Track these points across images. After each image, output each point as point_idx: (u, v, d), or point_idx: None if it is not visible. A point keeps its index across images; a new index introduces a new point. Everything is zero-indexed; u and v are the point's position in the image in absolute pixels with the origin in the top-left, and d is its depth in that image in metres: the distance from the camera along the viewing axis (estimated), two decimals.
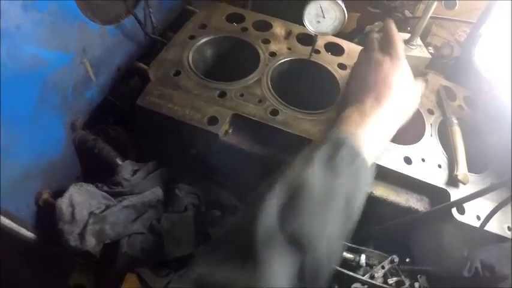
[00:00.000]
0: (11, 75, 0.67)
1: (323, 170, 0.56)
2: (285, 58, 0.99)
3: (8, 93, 0.67)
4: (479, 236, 0.84)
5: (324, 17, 0.87)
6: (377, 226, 0.89)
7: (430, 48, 1.01)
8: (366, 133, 0.62)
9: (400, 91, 0.67)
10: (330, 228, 0.54)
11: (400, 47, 0.72)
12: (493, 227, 0.85)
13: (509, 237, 0.86)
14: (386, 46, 0.72)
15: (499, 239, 0.85)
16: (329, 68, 0.99)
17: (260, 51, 0.99)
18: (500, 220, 0.87)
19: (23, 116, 0.74)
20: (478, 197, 0.66)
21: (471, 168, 0.90)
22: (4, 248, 0.78)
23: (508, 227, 0.86)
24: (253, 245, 0.47)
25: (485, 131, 0.97)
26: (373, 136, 0.63)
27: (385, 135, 0.66)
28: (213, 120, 0.85)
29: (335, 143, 0.59)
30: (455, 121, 0.93)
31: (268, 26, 1.09)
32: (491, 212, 0.76)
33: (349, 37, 1.21)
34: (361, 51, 0.81)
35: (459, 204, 0.79)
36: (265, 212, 0.50)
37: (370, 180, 0.62)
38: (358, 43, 1.13)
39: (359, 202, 0.59)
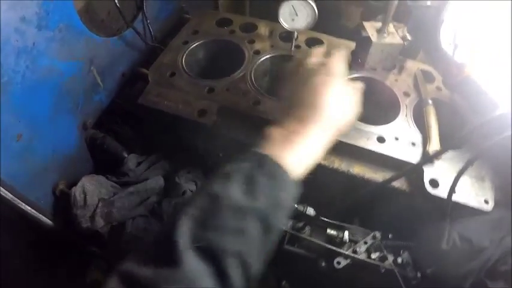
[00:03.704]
0: (32, 84, 0.80)
1: (241, 188, 0.57)
2: (267, 55, 1.09)
3: (30, 99, 0.81)
4: (456, 210, 0.88)
5: (296, 15, 0.97)
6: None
7: (408, 34, 1.06)
8: (288, 153, 0.63)
9: (328, 110, 0.68)
10: (243, 245, 0.55)
11: (337, 66, 0.73)
12: (470, 200, 0.88)
13: (486, 210, 0.87)
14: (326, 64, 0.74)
15: (476, 212, 0.87)
16: None
17: (245, 51, 1.10)
18: (477, 194, 0.89)
19: (41, 118, 0.86)
20: (434, 157, 0.70)
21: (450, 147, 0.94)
22: (24, 234, 0.90)
23: (485, 200, 0.88)
24: (172, 252, 0.51)
25: (463, 109, 1.00)
26: (297, 155, 0.64)
27: (310, 153, 0.66)
28: (203, 113, 0.96)
29: (256, 160, 0.61)
30: (429, 101, 0.98)
31: (253, 28, 1.19)
32: (454, 179, 0.80)
33: (354, 32, 1.19)
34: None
35: (417, 169, 0.83)
36: (181, 227, 0.53)
37: (294, 196, 0.62)
38: None
39: (279, 219, 0.60)
